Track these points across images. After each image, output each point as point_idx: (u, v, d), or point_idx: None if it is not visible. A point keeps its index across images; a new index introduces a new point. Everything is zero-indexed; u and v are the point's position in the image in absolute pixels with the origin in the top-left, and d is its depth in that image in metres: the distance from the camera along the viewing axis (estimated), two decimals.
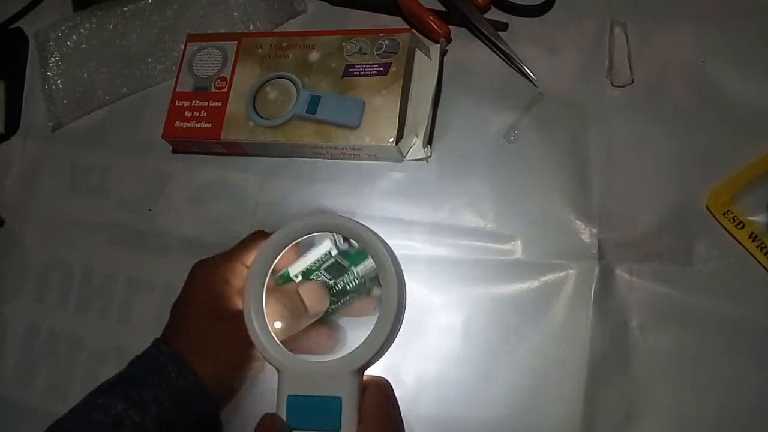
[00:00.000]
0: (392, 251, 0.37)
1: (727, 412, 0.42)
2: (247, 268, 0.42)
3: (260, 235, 0.44)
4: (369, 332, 0.35)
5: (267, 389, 0.47)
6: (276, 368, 0.36)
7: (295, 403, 0.34)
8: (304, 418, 0.34)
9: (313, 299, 0.42)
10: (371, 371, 0.37)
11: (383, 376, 0.38)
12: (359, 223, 0.38)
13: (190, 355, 0.39)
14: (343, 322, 0.45)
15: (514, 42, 0.53)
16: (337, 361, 0.35)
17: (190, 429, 0.38)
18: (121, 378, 0.39)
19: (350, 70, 0.53)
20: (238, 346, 0.40)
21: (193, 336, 0.40)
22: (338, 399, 0.34)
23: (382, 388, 0.36)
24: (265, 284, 0.38)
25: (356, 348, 0.35)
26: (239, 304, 0.40)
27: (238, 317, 0.39)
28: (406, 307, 0.38)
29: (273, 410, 0.36)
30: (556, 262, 0.47)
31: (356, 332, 0.40)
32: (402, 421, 0.37)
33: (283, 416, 0.34)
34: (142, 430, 0.36)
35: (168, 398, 0.37)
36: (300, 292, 0.42)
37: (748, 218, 0.44)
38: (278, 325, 0.39)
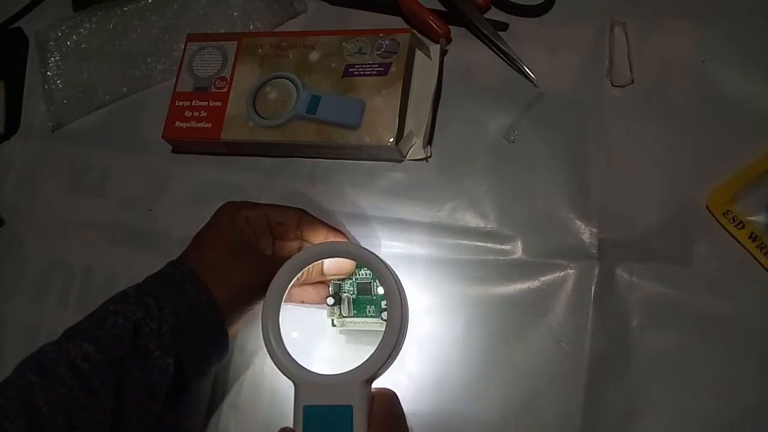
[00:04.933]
0: (395, 273, 0.41)
1: (727, 412, 0.42)
2: (268, 221, 0.45)
3: (302, 212, 0.46)
4: (376, 346, 0.39)
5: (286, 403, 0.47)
6: (293, 382, 0.39)
7: (311, 413, 0.37)
8: (319, 426, 0.37)
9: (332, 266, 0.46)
10: (378, 383, 0.39)
11: (385, 382, 0.40)
12: (367, 249, 0.42)
13: (206, 278, 0.42)
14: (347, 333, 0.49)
15: (514, 42, 0.53)
16: (348, 373, 0.38)
17: (200, 341, 0.41)
18: (138, 289, 0.42)
19: (350, 70, 0.53)
20: (248, 279, 0.43)
21: (210, 262, 0.43)
22: (349, 407, 0.37)
23: (389, 398, 0.39)
24: (282, 303, 0.41)
25: (365, 361, 0.39)
26: (255, 242, 0.44)
27: (252, 254, 0.44)
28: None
29: (289, 422, 0.38)
30: (556, 262, 0.47)
31: (365, 347, 0.44)
32: (407, 428, 0.39)
33: (300, 425, 0.37)
34: (159, 336, 0.39)
35: (185, 311, 0.41)
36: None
37: (748, 218, 0.44)
38: (295, 335, 0.44)
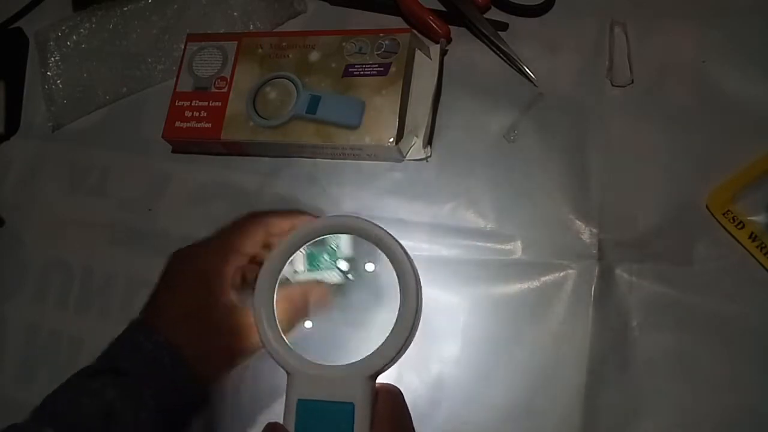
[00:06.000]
0: (410, 257, 0.37)
1: (727, 412, 0.42)
2: (241, 253, 0.41)
3: (254, 217, 0.43)
4: (385, 337, 0.35)
5: (266, 389, 0.47)
6: (286, 371, 0.35)
7: (306, 407, 0.34)
8: (315, 423, 0.33)
9: (318, 301, 0.42)
10: (382, 378, 0.36)
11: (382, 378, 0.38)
12: (378, 225, 0.37)
13: (181, 342, 0.38)
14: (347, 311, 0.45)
15: (514, 42, 0.53)
16: (351, 365, 0.34)
17: (184, 415, 0.38)
18: (109, 362, 0.38)
19: (350, 70, 0.53)
20: (229, 337, 0.39)
21: (184, 324, 0.39)
22: (351, 405, 0.33)
23: (394, 396, 0.36)
24: (276, 286, 0.38)
25: (372, 353, 0.35)
26: (230, 293, 0.40)
27: (231, 307, 0.39)
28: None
29: (276, 415, 0.35)
30: (556, 262, 0.47)
31: (370, 336, 0.38)
32: (414, 430, 0.36)
33: (292, 421, 0.33)
34: (135, 424, 0.36)
35: (165, 391, 0.37)
36: (308, 293, 0.42)
37: (748, 218, 0.44)
38: (308, 325, 0.41)
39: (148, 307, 0.41)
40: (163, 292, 0.41)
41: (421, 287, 0.37)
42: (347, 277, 0.42)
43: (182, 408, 0.38)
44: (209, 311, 0.39)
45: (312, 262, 0.42)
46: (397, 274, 0.36)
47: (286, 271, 0.39)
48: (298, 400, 0.34)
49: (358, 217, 0.38)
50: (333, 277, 0.42)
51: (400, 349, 0.35)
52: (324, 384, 0.34)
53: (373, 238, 0.37)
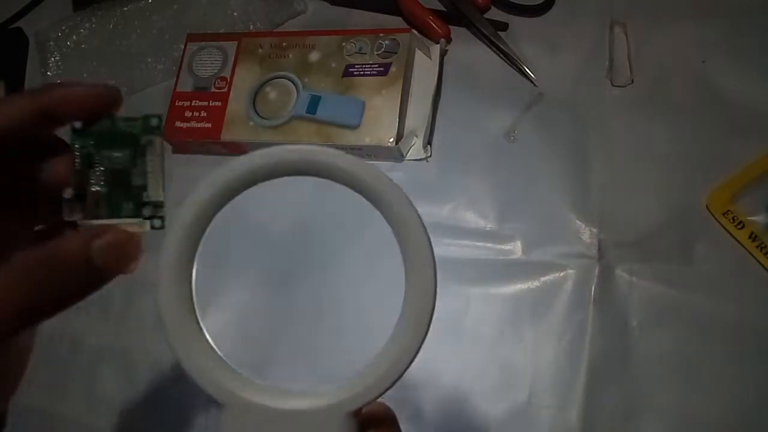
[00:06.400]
0: (424, 224, 0.24)
1: (727, 412, 0.42)
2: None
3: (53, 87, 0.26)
4: (382, 349, 0.22)
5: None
6: (217, 401, 0.22)
7: None
8: None
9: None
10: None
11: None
12: (371, 164, 0.22)
13: None
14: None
15: (514, 42, 0.53)
16: (329, 392, 0.22)
17: None
18: None
19: (350, 70, 0.53)
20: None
21: None
22: None
23: None
24: (196, 262, 0.24)
25: (359, 373, 0.22)
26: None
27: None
28: None
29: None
30: (556, 262, 0.47)
31: (354, 344, 0.27)
32: None
33: None
34: None
35: None
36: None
37: (748, 218, 0.44)
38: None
39: None
40: None
41: (436, 270, 0.25)
42: (154, 226, 0.29)
43: None
44: None
45: (111, 205, 0.28)
46: (401, 248, 0.23)
47: (74, 213, 0.27)
48: None
49: (337, 151, 0.23)
50: (137, 223, 0.29)
51: (406, 366, 0.22)
52: (283, 423, 0.21)
53: (366, 187, 0.22)
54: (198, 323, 0.23)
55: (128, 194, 0.28)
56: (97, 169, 0.28)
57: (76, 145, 0.27)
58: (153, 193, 0.30)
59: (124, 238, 0.26)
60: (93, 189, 0.28)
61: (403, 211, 0.22)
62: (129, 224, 0.28)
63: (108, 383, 0.39)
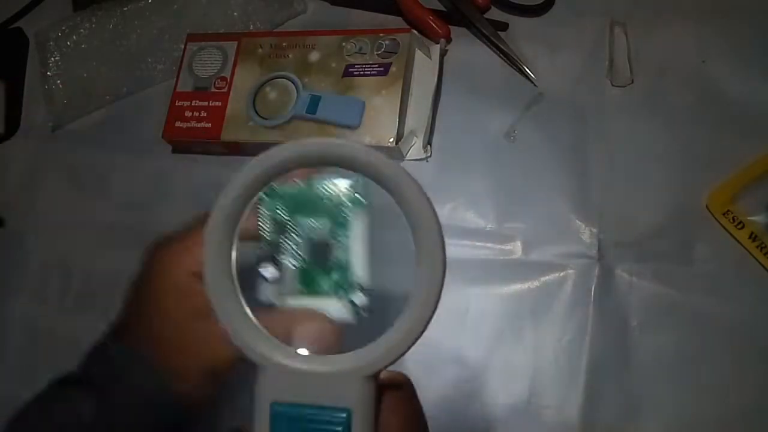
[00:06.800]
0: (435, 209, 0.25)
1: (727, 412, 0.42)
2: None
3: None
4: (395, 322, 0.25)
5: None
6: (256, 363, 0.25)
7: (284, 414, 0.24)
8: None
9: (311, 339, 0.28)
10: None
11: None
12: (384, 156, 0.24)
13: (154, 356, 0.34)
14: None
15: (514, 42, 0.53)
16: (347, 357, 0.25)
17: (161, 427, 0.34)
18: (86, 374, 0.35)
19: (350, 70, 0.53)
20: (214, 348, 0.33)
21: (161, 336, 0.34)
22: (346, 412, 0.24)
23: (406, 397, 0.27)
24: (236, 241, 0.26)
25: (376, 341, 0.24)
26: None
27: (207, 312, 0.28)
28: None
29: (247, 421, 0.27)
30: (556, 262, 0.47)
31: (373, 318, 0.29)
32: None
33: (265, 430, 0.25)
34: None
35: (138, 406, 0.34)
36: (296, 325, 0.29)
37: (748, 218, 0.44)
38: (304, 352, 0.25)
39: (123, 314, 0.37)
40: (137, 297, 0.36)
41: (445, 253, 0.25)
42: (359, 313, 0.29)
43: (154, 420, 0.34)
44: (186, 323, 0.34)
45: (307, 281, 0.28)
46: (413, 232, 0.25)
47: (270, 291, 0.29)
48: (272, 403, 0.24)
49: (355, 144, 0.24)
50: (338, 310, 0.29)
51: (416, 337, 0.24)
52: (309, 383, 0.24)
53: (378, 174, 0.24)
54: (239, 297, 0.25)
55: (326, 271, 0.28)
56: (291, 238, 0.28)
57: (267, 210, 0.27)
58: (356, 273, 0.28)
59: (320, 334, 0.28)
60: (286, 262, 0.28)
61: (415, 199, 0.24)
62: (325, 307, 0.28)
63: None
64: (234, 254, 0.26)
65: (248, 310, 0.26)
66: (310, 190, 0.27)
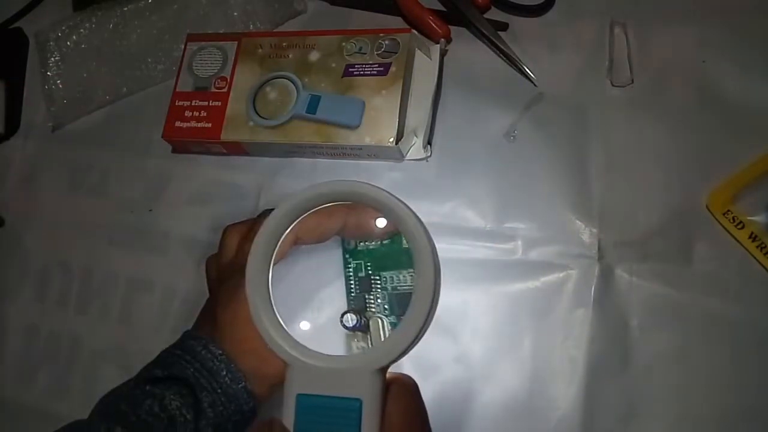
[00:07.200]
0: (427, 230, 0.32)
1: (727, 412, 0.42)
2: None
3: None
4: (399, 324, 0.31)
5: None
6: (285, 362, 0.31)
7: (307, 403, 0.30)
8: (317, 421, 0.30)
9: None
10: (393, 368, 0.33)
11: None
12: (386, 191, 0.32)
13: (238, 358, 0.38)
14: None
15: (514, 42, 0.53)
16: (358, 356, 0.31)
17: (236, 429, 0.38)
18: (168, 371, 0.38)
19: (350, 70, 0.53)
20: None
21: (239, 336, 0.38)
22: (358, 401, 0.30)
23: (408, 390, 0.32)
24: (272, 263, 0.33)
25: (381, 343, 0.31)
26: None
27: None
28: None
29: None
30: (556, 262, 0.47)
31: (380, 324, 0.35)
32: (430, 428, 0.34)
33: (291, 417, 0.30)
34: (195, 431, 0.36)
35: (223, 403, 0.37)
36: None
37: (748, 218, 0.44)
38: (305, 326, 0.34)
39: (204, 320, 0.41)
40: (220, 308, 0.40)
41: (439, 268, 0.32)
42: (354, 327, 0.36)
43: (234, 422, 0.38)
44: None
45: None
46: (412, 252, 0.31)
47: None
48: (298, 395, 0.30)
49: (362, 183, 0.32)
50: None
51: (415, 339, 0.30)
52: (327, 377, 0.30)
53: (380, 205, 0.32)
54: (272, 306, 0.32)
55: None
56: (376, 293, 0.34)
57: (350, 268, 0.33)
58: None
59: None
60: (373, 317, 0.34)
61: (413, 229, 0.31)
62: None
63: (108, 383, 0.39)
64: (270, 271, 0.32)
65: (281, 320, 0.31)
66: (394, 244, 0.34)
